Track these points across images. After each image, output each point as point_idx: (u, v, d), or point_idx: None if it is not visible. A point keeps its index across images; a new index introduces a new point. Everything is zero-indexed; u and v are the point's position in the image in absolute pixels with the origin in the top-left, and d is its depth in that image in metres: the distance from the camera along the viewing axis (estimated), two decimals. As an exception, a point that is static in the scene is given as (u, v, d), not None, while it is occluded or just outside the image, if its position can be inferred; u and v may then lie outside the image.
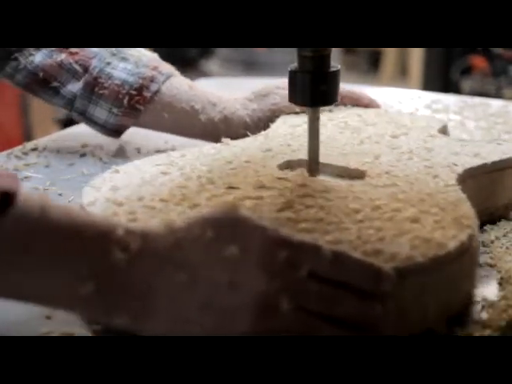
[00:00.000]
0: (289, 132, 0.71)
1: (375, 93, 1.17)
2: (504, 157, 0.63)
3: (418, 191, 0.55)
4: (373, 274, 0.43)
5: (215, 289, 0.43)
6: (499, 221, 0.64)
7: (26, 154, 0.85)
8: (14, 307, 0.47)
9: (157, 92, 0.80)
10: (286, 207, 0.52)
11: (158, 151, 0.84)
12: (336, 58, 2.95)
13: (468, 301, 0.51)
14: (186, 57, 3.24)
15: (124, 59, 0.81)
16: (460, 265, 0.48)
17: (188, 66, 3.19)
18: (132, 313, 0.44)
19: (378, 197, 0.53)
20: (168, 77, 0.81)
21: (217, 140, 0.70)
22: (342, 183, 0.58)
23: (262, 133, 0.71)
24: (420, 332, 0.47)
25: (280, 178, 0.58)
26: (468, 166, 0.61)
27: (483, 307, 0.50)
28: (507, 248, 0.59)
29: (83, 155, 0.85)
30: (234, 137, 0.70)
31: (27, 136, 2.10)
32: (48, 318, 0.50)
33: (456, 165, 0.60)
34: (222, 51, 3.04)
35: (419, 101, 1.12)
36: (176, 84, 0.81)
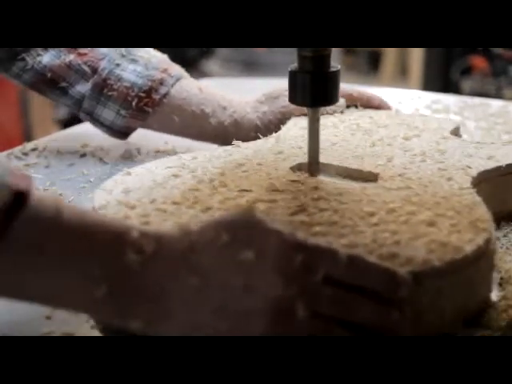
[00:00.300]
0: (300, 134, 0.70)
1: (375, 93, 1.17)
2: None
3: (433, 194, 0.54)
4: (389, 278, 0.43)
5: (230, 292, 0.42)
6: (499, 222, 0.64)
7: (26, 154, 0.85)
8: (15, 307, 0.47)
9: (166, 95, 0.80)
10: (299, 210, 0.52)
11: (158, 152, 0.85)
12: (336, 58, 2.95)
13: (485, 305, 0.50)
14: (186, 57, 3.23)
15: (134, 61, 0.81)
16: (477, 268, 0.48)
17: (188, 66, 3.19)
18: (145, 315, 0.43)
19: (392, 200, 0.53)
20: (178, 79, 0.81)
21: (227, 143, 0.70)
22: (355, 186, 0.58)
23: (273, 135, 0.71)
24: (436, 335, 0.47)
25: (293, 181, 0.57)
26: (482, 168, 0.60)
27: (483, 308, 0.50)
28: (507, 248, 0.59)
29: (83, 155, 0.85)
30: (245, 140, 0.70)
31: (27, 136, 2.10)
32: (48, 318, 0.50)
33: (470, 167, 0.60)
34: (223, 51, 3.05)
35: (419, 101, 1.12)
36: (186, 87, 0.81)
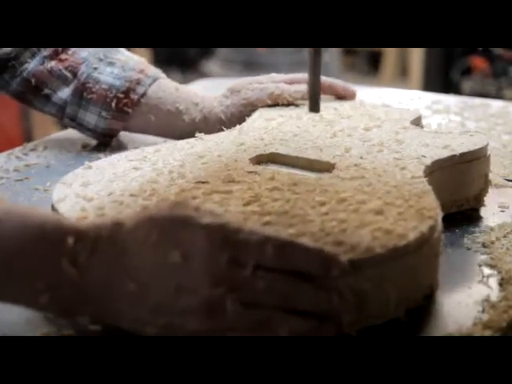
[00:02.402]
0: (263, 126, 0.71)
1: (375, 93, 1.17)
2: (473, 148, 0.63)
3: (385, 183, 0.55)
4: (321, 259, 0.43)
5: (163, 292, 0.43)
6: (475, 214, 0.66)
7: (26, 154, 0.85)
8: (14, 308, 0.47)
9: (144, 94, 0.81)
10: (252, 201, 0.52)
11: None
12: (336, 58, 2.95)
13: (430, 291, 0.51)
14: (186, 57, 3.24)
15: (111, 64, 0.82)
16: (420, 255, 0.49)
17: (188, 66, 3.19)
18: (91, 313, 0.45)
19: (344, 189, 0.54)
20: (155, 79, 0.82)
21: None
22: (311, 176, 0.58)
23: (237, 127, 0.71)
24: (381, 322, 0.47)
25: (250, 172, 0.58)
26: (437, 157, 0.61)
27: (484, 308, 0.50)
28: (507, 249, 0.58)
29: (83, 156, 0.84)
30: (212, 133, 0.70)
31: (27, 136, 2.10)
32: (48, 318, 0.50)
33: (425, 156, 0.61)
34: (223, 52, 3.04)
35: (419, 101, 1.12)
36: (163, 86, 0.82)
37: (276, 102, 0.77)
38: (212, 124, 0.79)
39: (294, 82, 0.80)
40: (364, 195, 0.53)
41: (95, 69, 0.82)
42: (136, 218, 0.45)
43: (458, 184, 0.64)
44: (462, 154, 0.63)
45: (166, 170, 0.59)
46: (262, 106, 0.77)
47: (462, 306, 0.51)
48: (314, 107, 0.76)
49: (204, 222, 0.43)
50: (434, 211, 0.51)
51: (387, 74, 3.23)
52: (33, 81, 0.82)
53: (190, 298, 0.42)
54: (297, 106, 0.77)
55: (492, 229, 0.62)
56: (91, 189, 0.56)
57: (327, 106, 0.77)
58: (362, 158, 0.61)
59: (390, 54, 3.24)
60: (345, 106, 0.77)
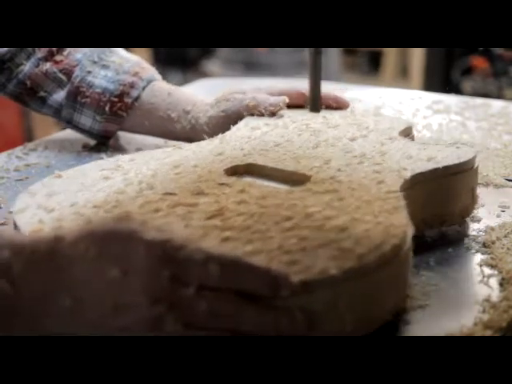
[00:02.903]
0: (247, 135, 0.69)
1: (376, 93, 1.17)
2: (457, 161, 0.60)
3: (357, 198, 0.52)
4: (269, 279, 0.41)
5: (100, 310, 0.42)
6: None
7: (26, 154, 0.85)
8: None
9: (137, 98, 0.81)
10: (216, 214, 0.50)
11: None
12: (336, 58, 2.95)
13: (396, 310, 0.49)
14: (187, 57, 3.24)
15: (105, 67, 0.82)
16: (381, 276, 0.46)
17: (189, 66, 3.19)
18: (24, 329, 0.43)
19: (313, 203, 0.52)
20: (149, 82, 0.82)
21: None
22: (283, 189, 0.56)
23: (219, 135, 0.69)
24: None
25: (220, 184, 0.56)
26: (418, 170, 0.58)
27: (484, 308, 0.50)
28: (508, 249, 0.58)
29: (84, 155, 0.85)
30: None
31: (28, 136, 2.10)
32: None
33: (406, 169, 0.58)
34: (223, 52, 3.04)
35: (420, 101, 1.12)
36: (156, 91, 0.82)
37: (253, 114, 0.75)
38: (200, 133, 0.77)
39: (284, 94, 0.77)
40: (332, 210, 0.50)
41: (89, 72, 0.81)
42: (77, 232, 0.43)
43: (442, 198, 0.61)
44: (446, 167, 0.59)
45: (137, 180, 0.57)
46: (239, 120, 0.74)
47: (463, 306, 0.51)
48: (315, 107, 0.76)
49: (146, 237, 0.41)
50: (402, 229, 0.48)
51: (388, 74, 3.23)
52: (28, 83, 0.83)
53: (129, 316, 0.41)
54: (269, 114, 0.74)
55: (492, 229, 0.62)
56: (55, 199, 0.54)
57: (316, 114, 0.75)
58: (339, 170, 0.58)
59: (391, 54, 3.24)
60: (334, 115, 0.75)
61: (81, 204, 0.53)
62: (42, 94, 0.83)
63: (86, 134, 0.85)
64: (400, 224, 0.48)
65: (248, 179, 0.59)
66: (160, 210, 0.51)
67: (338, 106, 0.78)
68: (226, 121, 0.75)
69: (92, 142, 0.88)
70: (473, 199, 0.63)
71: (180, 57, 3.18)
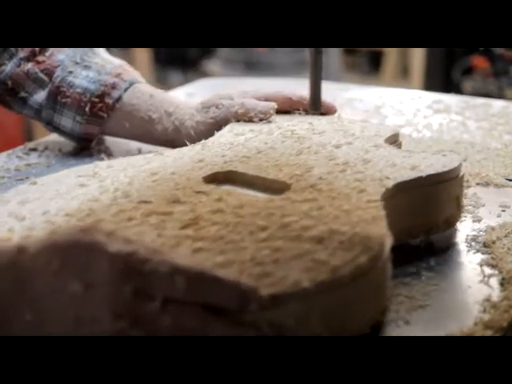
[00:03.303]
0: (230, 141, 0.67)
1: (376, 93, 1.17)
2: (441, 170, 0.58)
3: (336, 207, 0.51)
4: (238, 293, 0.40)
5: (61, 324, 0.41)
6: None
7: (27, 154, 0.85)
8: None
9: (119, 99, 0.80)
10: (190, 224, 0.48)
11: (158, 151, 0.85)
12: (336, 58, 2.95)
13: (373, 323, 0.47)
14: (187, 57, 3.24)
15: (87, 67, 0.81)
16: (356, 289, 0.44)
17: (189, 66, 3.19)
18: None
19: (291, 213, 0.50)
20: (131, 84, 0.81)
21: (174, 148, 0.68)
22: (261, 197, 0.54)
23: (202, 141, 0.68)
24: None
25: (197, 192, 0.54)
26: (401, 179, 0.57)
27: (485, 308, 0.50)
28: (509, 248, 0.58)
29: (84, 155, 0.85)
30: (184, 146, 0.68)
31: (28, 136, 2.10)
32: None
33: (388, 178, 0.56)
34: (223, 51, 3.05)
35: (420, 101, 1.12)
36: (137, 93, 0.81)
37: (242, 120, 0.73)
38: (183, 137, 0.76)
39: (270, 98, 0.76)
40: (310, 220, 0.49)
41: (70, 72, 0.81)
42: (40, 243, 0.42)
43: (426, 208, 0.59)
44: (430, 176, 0.58)
45: (113, 187, 0.56)
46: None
47: (463, 306, 0.51)
48: (315, 107, 0.76)
49: (110, 249, 0.40)
50: (380, 240, 0.46)
51: (388, 74, 3.23)
52: (9, 83, 0.82)
53: (90, 331, 0.40)
54: (257, 120, 0.73)
55: (493, 228, 0.62)
56: (27, 207, 0.53)
57: (302, 120, 0.73)
58: (321, 178, 0.57)
59: (391, 54, 3.24)
60: (321, 121, 0.73)
61: (53, 212, 0.52)
62: (22, 94, 0.82)
63: (67, 136, 0.84)
64: (378, 235, 0.47)
65: (227, 187, 0.58)
66: (133, 218, 0.49)
67: (325, 111, 0.76)
68: (215, 127, 0.73)
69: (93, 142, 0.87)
70: (458, 208, 0.62)
71: (180, 57, 3.18)
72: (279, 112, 0.75)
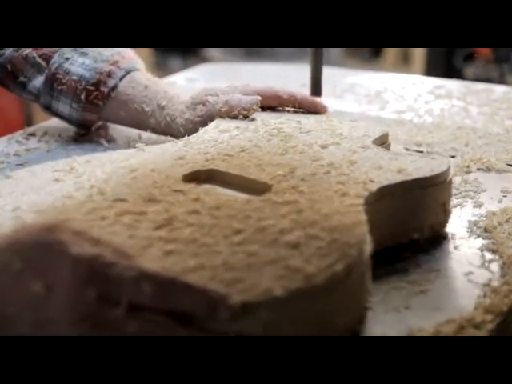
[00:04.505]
0: (214, 138, 0.65)
1: (377, 79, 1.17)
2: (428, 174, 0.56)
3: (316, 211, 0.48)
4: (207, 300, 0.38)
5: (20, 326, 0.40)
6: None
7: (26, 138, 0.85)
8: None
9: (114, 88, 0.79)
10: (164, 225, 0.47)
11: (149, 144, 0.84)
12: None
13: (350, 332, 0.45)
14: (188, 42, 3.22)
15: (84, 54, 0.80)
16: (332, 297, 0.43)
17: (189, 51, 3.18)
18: None
19: (268, 216, 0.48)
20: (128, 72, 0.80)
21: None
22: (240, 198, 0.52)
23: (185, 137, 0.66)
24: None
25: (175, 191, 0.52)
26: (386, 182, 0.54)
27: (485, 293, 0.50)
28: (509, 234, 0.58)
29: (84, 140, 0.84)
30: None
31: (28, 121, 2.10)
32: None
33: (373, 181, 0.54)
34: (224, 37, 3.03)
35: (422, 86, 1.11)
36: (133, 82, 0.80)
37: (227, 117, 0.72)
38: (175, 131, 0.76)
39: (259, 94, 0.73)
40: (288, 224, 0.47)
41: (67, 59, 0.80)
42: (3, 240, 0.40)
43: (411, 212, 0.56)
44: (416, 180, 0.55)
45: (88, 184, 0.54)
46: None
47: (463, 291, 0.51)
48: (316, 92, 0.75)
49: (74, 251, 0.38)
50: (358, 247, 0.44)
51: (389, 59, 3.21)
52: (9, 67, 0.82)
53: (47, 334, 0.39)
54: (243, 115, 0.71)
55: (494, 213, 0.62)
56: None
57: (290, 118, 0.71)
58: (303, 179, 0.54)
59: (392, 40, 3.22)
60: (309, 120, 0.70)
61: (24, 208, 0.50)
62: (22, 79, 0.82)
63: (65, 120, 0.84)
64: (356, 241, 0.45)
65: (207, 186, 0.55)
66: (106, 217, 0.47)
67: (315, 110, 0.74)
68: (202, 125, 0.71)
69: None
70: (445, 214, 0.59)
71: (181, 42, 3.17)
72: (268, 109, 0.74)
